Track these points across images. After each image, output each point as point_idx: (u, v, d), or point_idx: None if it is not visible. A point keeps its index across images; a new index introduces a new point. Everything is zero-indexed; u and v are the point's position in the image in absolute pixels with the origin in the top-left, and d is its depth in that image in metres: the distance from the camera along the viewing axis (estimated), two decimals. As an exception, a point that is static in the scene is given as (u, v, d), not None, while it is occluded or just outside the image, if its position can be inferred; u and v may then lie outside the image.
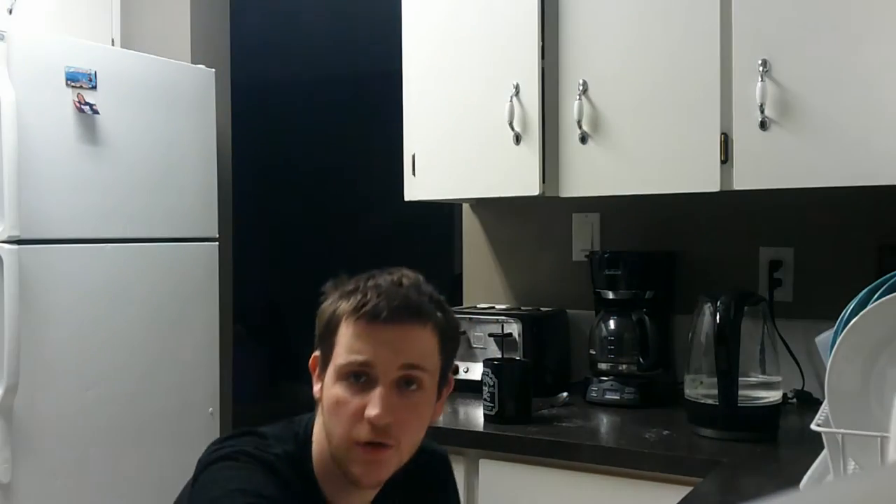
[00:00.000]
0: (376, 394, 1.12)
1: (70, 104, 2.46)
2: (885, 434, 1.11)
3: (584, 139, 2.06)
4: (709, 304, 1.86)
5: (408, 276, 1.20)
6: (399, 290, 1.16)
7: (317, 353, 1.21)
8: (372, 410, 1.11)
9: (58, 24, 2.79)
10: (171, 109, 2.78)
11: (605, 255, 2.25)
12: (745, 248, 2.24)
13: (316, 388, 1.20)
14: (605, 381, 2.15)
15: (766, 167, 1.87)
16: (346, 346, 1.15)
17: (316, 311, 1.21)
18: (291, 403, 6.48)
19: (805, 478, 1.36)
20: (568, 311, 2.43)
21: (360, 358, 1.13)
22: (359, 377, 1.14)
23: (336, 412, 1.14)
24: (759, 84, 1.84)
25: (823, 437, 1.24)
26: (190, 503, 1.15)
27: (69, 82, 2.46)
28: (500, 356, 2.20)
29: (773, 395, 1.86)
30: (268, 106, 6.54)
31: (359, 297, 1.15)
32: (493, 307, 2.44)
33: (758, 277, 2.21)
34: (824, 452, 1.29)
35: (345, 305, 1.16)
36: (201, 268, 2.90)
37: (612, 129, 2.03)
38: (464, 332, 2.30)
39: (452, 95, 2.21)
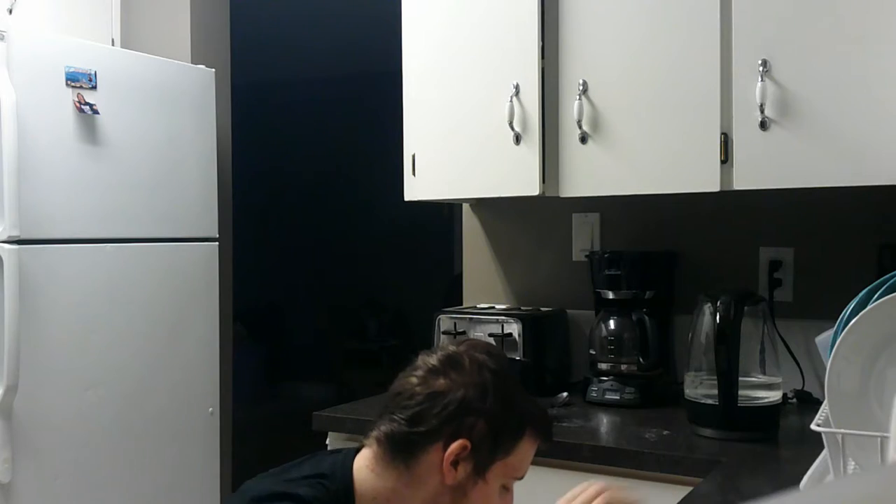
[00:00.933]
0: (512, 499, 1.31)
1: (70, 104, 2.46)
2: (885, 434, 1.11)
3: (584, 139, 2.06)
4: (709, 304, 1.86)
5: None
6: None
7: (465, 442, 1.22)
8: None
9: (58, 24, 2.79)
10: (171, 109, 2.78)
11: (605, 255, 2.25)
12: (745, 248, 2.24)
13: (452, 475, 1.22)
14: (605, 381, 2.15)
15: (766, 167, 1.87)
16: (526, 459, 1.29)
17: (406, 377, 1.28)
18: (291, 403, 6.49)
19: (805, 478, 1.36)
20: (568, 311, 2.43)
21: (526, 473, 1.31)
22: None
23: None
24: (759, 84, 1.84)
25: (823, 437, 1.24)
26: None
27: (69, 82, 2.46)
28: (500, 356, 2.20)
29: (773, 395, 1.86)
30: (268, 106, 6.55)
31: (548, 420, 1.33)
32: (493, 307, 2.44)
33: (758, 277, 2.21)
34: (824, 452, 1.29)
35: (534, 418, 1.29)
36: (201, 268, 2.90)
37: (612, 129, 2.03)
38: (463, 333, 2.31)
39: (452, 95, 2.21)
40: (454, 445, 1.21)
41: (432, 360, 1.26)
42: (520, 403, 1.27)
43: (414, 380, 1.25)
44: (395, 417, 1.24)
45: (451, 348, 1.29)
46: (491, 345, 1.37)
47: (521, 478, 1.30)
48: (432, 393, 1.22)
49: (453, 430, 1.21)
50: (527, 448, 1.28)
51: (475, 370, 1.24)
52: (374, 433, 1.27)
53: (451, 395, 1.22)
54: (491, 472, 1.24)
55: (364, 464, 1.26)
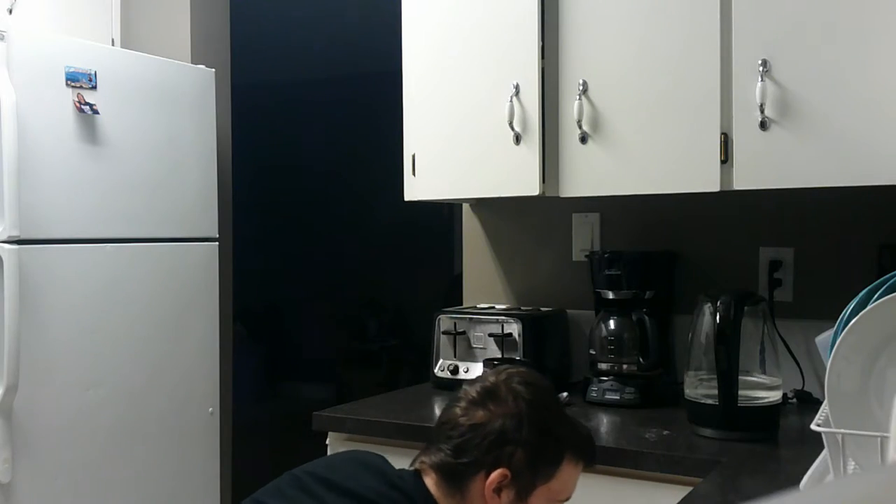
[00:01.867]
0: None
1: (70, 104, 2.46)
2: (885, 434, 1.11)
3: (584, 139, 2.06)
4: (709, 304, 1.86)
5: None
6: None
7: (505, 471, 1.29)
8: None
9: (58, 24, 2.79)
10: (171, 109, 2.78)
11: (605, 255, 2.25)
12: (745, 248, 2.24)
13: (496, 501, 1.29)
14: (605, 381, 2.15)
15: (766, 167, 1.87)
16: (569, 482, 1.36)
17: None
18: (291, 403, 6.49)
19: (805, 478, 1.36)
20: (568, 311, 2.43)
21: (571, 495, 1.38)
22: None
23: None
24: (759, 84, 1.84)
25: (823, 437, 1.24)
26: None
27: (69, 82, 2.46)
28: (500, 356, 2.20)
29: (773, 395, 1.86)
30: (268, 106, 6.54)
31: (589, 442, 1.40)
32: (493, 307, 2.44)
33: (758, 277, 2.21)
34: (824, 452, 1.29)
35: (573, 444, 1.35)
36: (201, 268, 2.90)
37: (612, 129, 2.03)
38: (463, 333, 2.31)
39: (452, 95, 2.21)
40: (495, 474, 1.29)
41: (473, 391, 1.35)
42: (557, 431, 1.34)
43: (458, 410, 1.34)
44: (443, 448, 1.33)
45: (491, 379, 1.37)
46: (529, 373, 1.41)
47: (566, 499, 1.36)
48: (474, 424, 1.31)
49: (494, 460, 1.29)
50: (568, 472, 1.35)
51: (511, 400, 1.32)
52: (427, 460, 1.34)
53: (490, 425, 1.30)
54: (534, 496, 1.31)
55: (434, 490, 1.32)
